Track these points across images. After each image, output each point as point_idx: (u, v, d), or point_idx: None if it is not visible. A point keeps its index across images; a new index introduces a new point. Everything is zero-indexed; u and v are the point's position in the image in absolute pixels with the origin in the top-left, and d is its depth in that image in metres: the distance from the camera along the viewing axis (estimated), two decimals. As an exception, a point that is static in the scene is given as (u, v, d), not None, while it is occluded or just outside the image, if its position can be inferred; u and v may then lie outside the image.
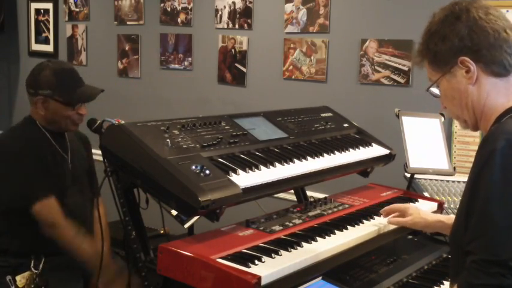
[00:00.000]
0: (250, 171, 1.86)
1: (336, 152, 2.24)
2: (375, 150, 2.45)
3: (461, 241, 1.41)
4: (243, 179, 1.79)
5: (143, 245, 1.90)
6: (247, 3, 4.01)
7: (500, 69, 1.50)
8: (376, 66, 3.50)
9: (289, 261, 1.65)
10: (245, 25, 4.04)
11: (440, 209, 2.40)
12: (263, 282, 1.53)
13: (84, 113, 2.55)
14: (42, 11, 5.27)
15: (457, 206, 1.62)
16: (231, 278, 1.52)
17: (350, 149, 2.33)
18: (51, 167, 2.51)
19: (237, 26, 4.09)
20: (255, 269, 1.57)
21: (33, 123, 2.56)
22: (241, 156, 1.96)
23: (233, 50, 4.12)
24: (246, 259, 1.61)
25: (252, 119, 2.24)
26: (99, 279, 2.51)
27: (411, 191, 2.58)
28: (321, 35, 3.71)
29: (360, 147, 2.40)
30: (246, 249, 1.71)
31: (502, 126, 1.44)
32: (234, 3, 4.08)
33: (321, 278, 1.77)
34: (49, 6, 5.21)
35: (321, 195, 2.47)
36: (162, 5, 4.48)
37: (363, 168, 2.44)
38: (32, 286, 2.42)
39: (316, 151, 2.17)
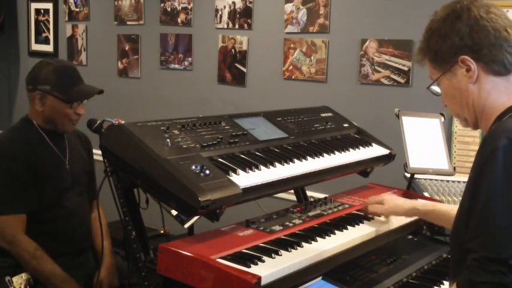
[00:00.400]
0: (250, 171, 1.86)
1: (336, 152, 2.24)
2: (375, 150, 2.45)
3: (462, 240, 1.41)
4: (243, 179, 1.79)
5: (143, 245, 1.90)
6: (247, 3, 4.01)
7: (500, 68, 1.50)
8: (376, 66, 3.50)
9: (289, 261, 1.65)
10: (245, 25, 4.04)
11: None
12: (263, 282, 1.53)
13: (82, 112, 2.54)
14: (42, 11, 5.27)
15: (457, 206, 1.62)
16: (231, 278, 1.52)
17: (350, 149, 2.33)
18: (46, 169, 2.48)
19: (237, 26, 4.09)
20: (255, 269, 1.57)
21: (30, 124, 2.54)
22: (241, 156, 1.96)
23: (233, 50, 4.12)
24: (246, 259, 1.61)
25: (252, 119, 2.24)
26: (101, 276, 2.53)
27: (411, 191, 2.58)
28: (321, 35, 3.71)
29: (360, 147, 2.40)
30: (246, 249, 1.71)
31: (503, 124, 1.44)
32: (234, 3, 4.08)
33: (321, 278, 1.77)
34: (49, 6, 5.21)
35: (321, 195, 2.47)
36: (162, 5, 4.48)
37: (363, 168, 2.44)
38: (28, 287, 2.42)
39: (316, 151, 2.17)
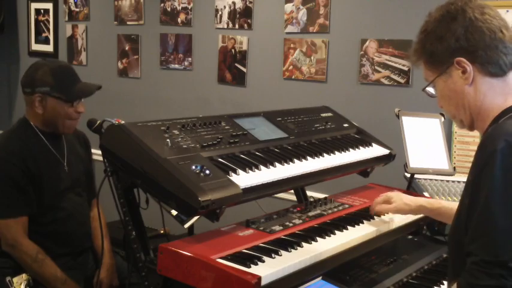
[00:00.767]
0: (250, 171, 1.86)
1: (336, 152, 2.24)
2: (375, 150, 2.45)
3: (461, 241, 1.41)
4: (243, 179, 1.79)
5: (143, 245, 1.90)
6: (247, 3, 4.01)
7: (496, 70, 1.50)
8: (376, 66, 3.50)
9: (289, 261, 1.65)
10: (245, 25, 4.04)
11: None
12: (263, 282, 1.53)
13: (82, 110, 2.53)
14: (42, 11, 5.27)
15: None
16: (231, 278, 1.52)
17: (350, 149, 2.33)
18: (45, 171, 2.48)
19: (237, 26, 4.09)
20: (255, 269, 1.57)
21: (28, 126, 2.52)
22: (241, 156, 1.96)
23: (233, 50, 4.12)
24: (246, 259, 1.61)
25: (252, 119, 2.24)
26: (101, 276, 2.53)
27: (411, 191, 2.58)
28: (321, 35, 3.71)
29: (360, 147, 2.40)
30: (246, 249, 1.71)
31: (501, 127, 1.44)
32: (234, 3, 4.08)
33: (321, 278, 1.77)
34: (49, 6, 5.21)
35: (321, 195, 2.47)
36: (162, 5, 4.48)
37: (363, 168, 2.44)
38: None
39: (316, 151, 2.17)
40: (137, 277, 1.93)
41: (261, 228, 1.88)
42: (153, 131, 1.86)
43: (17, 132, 2.53)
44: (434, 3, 1.62)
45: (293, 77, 3.85)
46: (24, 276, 2.40)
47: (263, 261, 1.62)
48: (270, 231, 1.86)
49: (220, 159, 1.87)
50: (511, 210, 1.31)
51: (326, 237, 1.86)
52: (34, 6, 5.32)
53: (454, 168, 2.69)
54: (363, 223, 2.04)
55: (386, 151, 2.48)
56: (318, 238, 1.83)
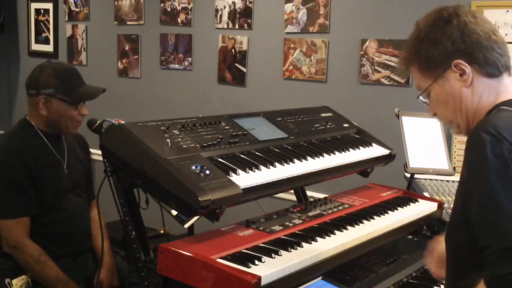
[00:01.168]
0: (250, 171, 1.85)
1: (336, 152, 2.24)
2: (375, 150, 2.45)
3: (458, 239, 1.42)
4: (243, 179, 1.79)
5: (143, 245, 1.90)
6: (247, 3, 4.01)
7: (494, 70, 1.51)
8: (376, 66, 3.50)
9: (289, 261, 1.65)
10: (245, 25, 4.04)
11: (441, 208, 2.40)
12: (263, 282, 1.53)
13: (86, 113, 2.54)
14: (42, 11, 5.27)
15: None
16: (231, 278, 1.52)
17: (350, 149, 2.33)
18: (46, 172, 2.48)
19: (237, 26, 4.09)
20: (255, 269, 1.57)
21: (29, 127, 2.52)
22: (241, 156, 1.96)
23: (233, 50, 4.12)
24: (246, 259, 1.61)
25: (252, 119, 2.24)
26: (101, 276, 2.53)
27: (411, 191, 2.58)
28: (321, 35, 3.71)
29: (360, 147, 2.40)
30: (246, 249, 1.71)
31: (487, 119, 1.45)
32: (234, 3, 4.08)
33: (321, 278, 1.77)
34: (49, 6, 5.21)
35: (321, 195, 2.47)
36: (162, 5, 4.48)
37: (363, 168, 2.44)
38: None
39: (316, 151, 2.17)
40: (137, 277, 1.93)
41: (261, 228, 1.88)
42: (153, 131, 1.86)
43: (18, 133, 2.53)
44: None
45: (293, 77, 3.85)
46: (23, 277, 2.40)
47: (263, 261, 1.62)
48: (270, 231, 1.86)
49: (220, 159, 1.87)
50: None
51: (326, 237, 1.86)
52: (34, 6, 5.32)
53: (454, 168, 2.69)
54: (362, 223, 2.04)
55: (386, 151, 2.48)
56: (318, 238, 1.83)
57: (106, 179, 1.93)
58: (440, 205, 2.40)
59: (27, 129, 2.52)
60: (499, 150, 1.33)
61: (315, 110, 2.61)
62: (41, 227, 2.47)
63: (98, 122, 2.26)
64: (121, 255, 2.79)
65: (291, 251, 1.72)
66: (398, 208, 2.26)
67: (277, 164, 1.96)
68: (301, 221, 1.99)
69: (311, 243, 1.79)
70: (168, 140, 1.81)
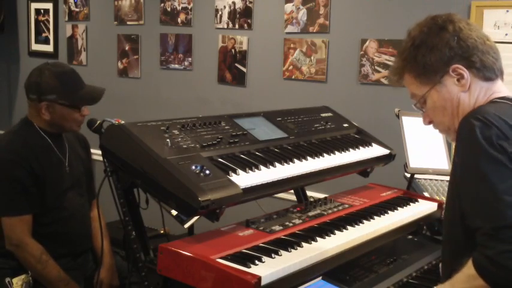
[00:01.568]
0: (250, 171, 1.85)
1: (336, 152, 2.24)
2: (375, 150, 2.45)
3: (455, 222, 1.46)
4: (243, 179, 1.79)
5: (143, 245, 1.90)
6: (247, 3, 4.01)
7: (491, 74, 1.54)
8: (376, 66, 3.50)
9: (289, 261, 1.65)
10: (245, 25, 4.04)
11: (441, 208, 2.40)
12: (263, 282, 1.53)
13: (87, 113, 2.54)
14: (42, 11, 5.27)
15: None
16: (231, 278, 1.52)
17: (350, 149, 2.33)
18: (48, 171, 2.48)
19: (237, 26, 4.09)
20: (255, 269, 1.57)
21: (30, 126, 2.52)
22: (241, 156, 1.96)
23: (233, 50, 4.12)
24: (246, 259, 1.61)
25: (252, 119, 2.24)
26: (101, 276, 2.53)
27: (411, 191, 2.58)
28: (321, 35, 3.71)
29: (360, 147, 2.40)
30: (246, 249, 1.71)
31: (475, 109, 1.49)
32: (234, 3, 4.08)
33: (321, 278, 1.77)
34: (49, 6, 5.21)
35: (321, 195, 2.47)
36: (162, 5, 4.48)
37: (363, 168, 2.44)
38: None
39: (316, 151, 2.17)
40: (137, 277, 1.93)
41: (261, 228, 1.88)
42: (153, 131, 1.86)
43: (19, 132, 2.53)
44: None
45: (293, 77, 3.85)
46: (24, 277, 2.40)
47: (263, 261, 1.62)
48: (270, 231, 1.86)
49: (220, 159, 1.87)
50: (504, 173, 1.34)
51: (326, 237, 1.86)
52: (34, 6, 5.32)
53: (454, 168, 2.68)
54: (363, 223, 2.04)
55: (386, 151, 2.48)
56: (317, 238, 1.83)
57: (106, 179, 1.93)
58: (440, 205, 2.40)
59: (29, 128, 2.52)
60: (488, 134, 1.37)
61: (315, 110, 2.61)
62: (41, 226, 2.47)
63: (98, 122, 2.26)
64: (121, 255, 2.79)
65: (291, 251, 1.72)
66: (398, 208, 2.26)
67: (277, 164, 1.96)
68: (301, 221, 1.99)
69: (311, 243, 1.79)
70: (168, 140, 1.81)
